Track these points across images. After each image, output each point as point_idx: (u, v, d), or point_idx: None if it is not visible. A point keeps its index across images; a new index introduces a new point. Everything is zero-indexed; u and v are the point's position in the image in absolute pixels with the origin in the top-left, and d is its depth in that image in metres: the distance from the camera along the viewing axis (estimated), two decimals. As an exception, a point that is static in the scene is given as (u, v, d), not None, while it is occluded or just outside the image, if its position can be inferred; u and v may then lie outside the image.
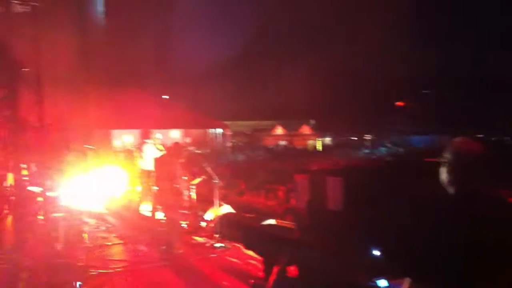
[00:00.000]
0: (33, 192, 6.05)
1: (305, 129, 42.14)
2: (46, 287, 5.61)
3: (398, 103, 42.97)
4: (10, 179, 5.29)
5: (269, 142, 37.57)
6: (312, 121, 43.21)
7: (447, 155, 2.60)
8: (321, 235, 5.21)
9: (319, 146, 38.68)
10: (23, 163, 5.30)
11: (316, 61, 36.96)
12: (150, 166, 10.98)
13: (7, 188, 5.25)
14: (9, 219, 5.55)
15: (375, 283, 4.52)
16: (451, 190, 2.55)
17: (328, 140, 43.35)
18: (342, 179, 5.29)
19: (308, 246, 5.30)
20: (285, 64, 36.97)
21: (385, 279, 4.64)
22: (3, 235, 5.51)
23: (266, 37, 36.00)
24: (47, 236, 6.65)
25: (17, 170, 5.17)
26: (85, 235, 8.81)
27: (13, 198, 5.38)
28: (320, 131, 41.90)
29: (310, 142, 39.93)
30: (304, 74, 36.11)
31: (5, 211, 5.50)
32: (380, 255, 4.81)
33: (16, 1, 4.82)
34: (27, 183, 5.36)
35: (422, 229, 2.47)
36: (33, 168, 5.52)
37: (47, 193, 6.27)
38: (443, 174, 2.59)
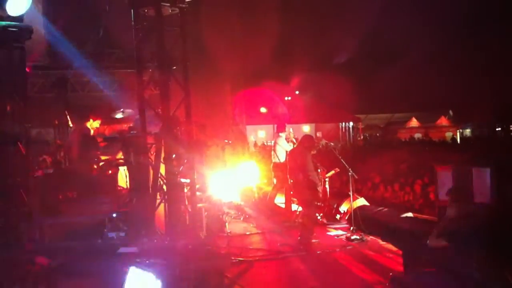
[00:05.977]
0: (182, 183, 6.55)
1: (443, 121, 39.86)
2: (193, 272, 6.01)
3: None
4: (162, 169, 5.79)
5: (403, 135, 36.17)
6: (450, 112, 40.72)
7: None
8: (466, 228, 4.95)
9: (458, 139, 36.39)
10: (174, 155, 5.78)
11: (455, 47, 34.83)
12: (283, 158, 11.23)
13: (160, 178, 5.77)
14: (161, 206, 6.07)
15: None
16: None
17: (468, 131, 40.58)
18: (491, 169, 4.96)
19: (452, 239, 5.06)
20: (421, 52, 35.28)
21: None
22: (157, 221, 6.05)
23: (399, 27, 34.61)
24: (193, 224, 7.13)
25: (168, 162, 5.64)
26: (226, 225, 9.30)
27: (164, 187, 5.87)
28: (459, 122, 39.32)
29: (448, 134, 37.69)
30: (442, 62, 34.19)
31: (158, 200, 6.02)
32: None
33: (166, 4, 5.28)
34: (177, 174, 5.82)
35: None
36: (183, 161, 5.99)
37: (193, 184, 6.73)
38: None
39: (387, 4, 31.73)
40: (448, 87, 36.42)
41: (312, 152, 9.46)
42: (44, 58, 14.68)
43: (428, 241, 5.48)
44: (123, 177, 9.47)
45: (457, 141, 31.94)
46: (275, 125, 12.60)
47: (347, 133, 35.41)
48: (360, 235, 8.91)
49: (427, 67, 35.12)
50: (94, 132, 10.37)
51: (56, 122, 11.70)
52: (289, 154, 10.46)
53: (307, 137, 10.03)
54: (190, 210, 6.78)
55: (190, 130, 5.92)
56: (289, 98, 30.20)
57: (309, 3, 32.53)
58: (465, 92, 35.56)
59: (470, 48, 35.74)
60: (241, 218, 11.26)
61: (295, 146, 10.83)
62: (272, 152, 11.76)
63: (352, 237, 8.90)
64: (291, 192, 10.75)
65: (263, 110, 28.35)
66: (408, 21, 34.93)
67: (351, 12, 33.01)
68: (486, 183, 5.03)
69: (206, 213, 9.31)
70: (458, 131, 39.06)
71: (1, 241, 6.02)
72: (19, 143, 6.19)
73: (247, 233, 10.01)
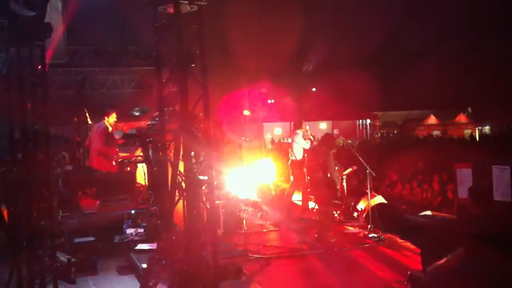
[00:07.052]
0: (201, 180, 6.57)
1: (461, 118, 39.42)
2: (211, 269, 6.04)
3: None
4: (180, 166, 5.82)
5: (421, 132, 35.87)
6: (469, 109, 40.24)
7: None
8: (486, 227, 4.90)
9: (477, 136, 35.96)
10: (192, 153, 5.80)
11: (474, 42, 34.37)
12: (300, 156, 11.22)
13: (179, 175, 5.81)
14: (180, 203, 6.09)
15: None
16: None
17: (487, 129, 40.06)
18: (511, 167, 4.90)
19: (472, 238, 5.01)
20: (439, 48, 34.89)
21: None
22: (175, 218, 6.07)
23: (417, 22, 34.27)
24: (211, 221, 7.15)
25: (186, 159, 5.66)
26: (244, 222, 9.33)
27: (183, 184, 5.90)
28: (478, 119, 38.84)
29: (467, 131, 37.27)
30: (460, 59, 33.80)
31: (177, 196, 6.05)
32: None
33: (184, 1, 5.30)
34: (196, 171, 5.84)
35: None
36: (201, 157, 6.00)
37: (211, 182, 6.74)
38: None
39: (406, 2, 31.54)
40: (466, 84, 35.97)
41: (333, 151, 9.44)
42: (63, 56, 14.86)
43: (446, 240, 5.44)
44: (141, 174, 9.55)
45: (476, 139, 31.55)
46: (292, 123, 12.57)
47: (364, 130, 35.24)
48: (378, 233, 8.87)
49: (445, 64, 34.71)
50: (112, 128, 10.46)
51: (75, 120, 11.82)
52: (309, 152, 10.42)
53: (329, 136, 10.02)
54: (208, 207, 6.78)
55: (208, 127, 5.94)
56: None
57: (330, 1, 32.46)
58: (484, 89, 35.12)
59: (489, 45, 35.27)
60: (258, 215, 11.29)
61: (313, 143, 10.81)
62: (289, 150, 11.75)
63: (370, 235, 8.86)
64: (308, 190, 10.74)
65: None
66: (427, 19, 34.61)
67: (371, 11, 32.84)
68: (506, 182, 4.98)
69: (223, 210, 9.38)
70: (477, 128, 38.61)
71: (22, 237, 6.12)
72: (39, 140, 6.27)
73: (264, 230, 10.04)
